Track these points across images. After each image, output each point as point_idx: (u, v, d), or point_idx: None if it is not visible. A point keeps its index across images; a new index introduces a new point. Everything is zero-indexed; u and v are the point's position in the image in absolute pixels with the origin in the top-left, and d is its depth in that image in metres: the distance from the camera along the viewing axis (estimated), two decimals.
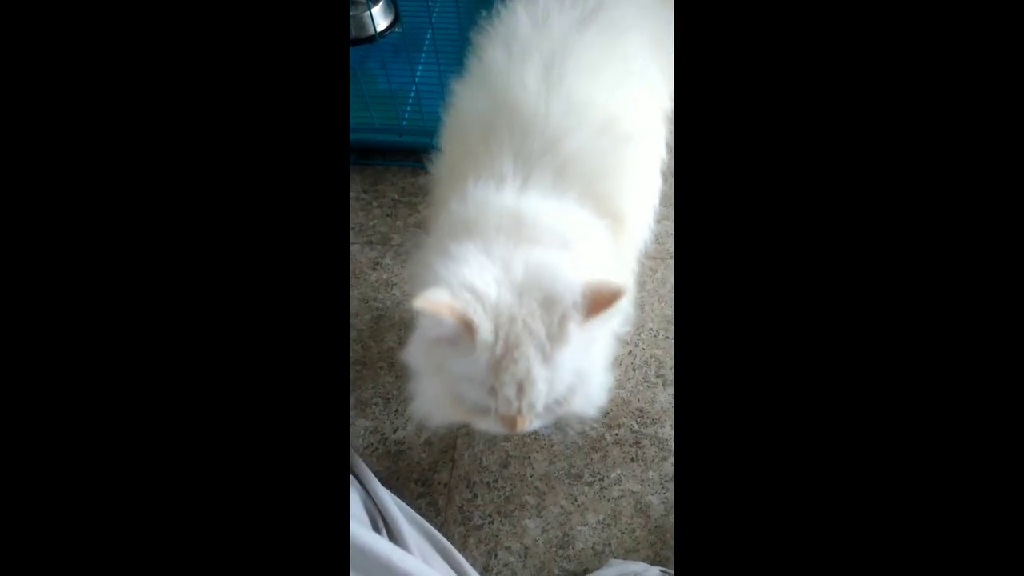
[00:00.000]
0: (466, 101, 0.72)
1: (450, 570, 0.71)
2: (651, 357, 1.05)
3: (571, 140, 0.64)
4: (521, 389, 0.53)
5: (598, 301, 0.52)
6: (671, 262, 1.16)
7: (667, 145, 0.79)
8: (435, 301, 0.51)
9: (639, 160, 0.72)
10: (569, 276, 0.53)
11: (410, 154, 1.28)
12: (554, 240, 0.58)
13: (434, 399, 0.60)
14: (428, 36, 1.37)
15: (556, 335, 0.52)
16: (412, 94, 1.29)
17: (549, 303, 0.52)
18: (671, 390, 1.02)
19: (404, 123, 1.26)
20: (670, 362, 1.05)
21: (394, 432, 0.98)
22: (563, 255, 0.56)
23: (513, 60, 0.68)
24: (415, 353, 0.59)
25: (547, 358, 0.53)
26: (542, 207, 0.60)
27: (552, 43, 0.69)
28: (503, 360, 0.52)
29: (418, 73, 1.32)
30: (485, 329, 0.51)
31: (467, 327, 0.51)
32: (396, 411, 1.00)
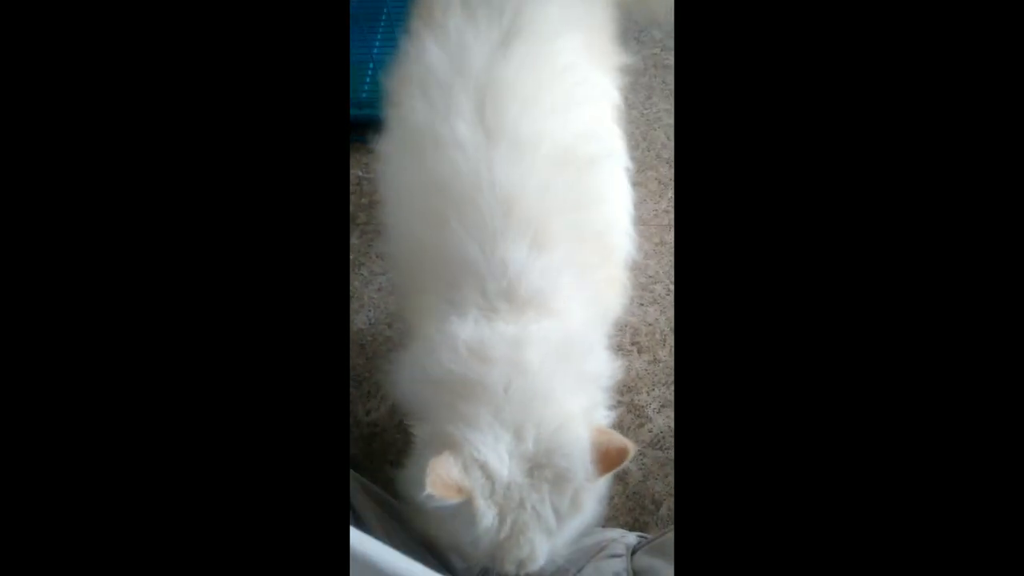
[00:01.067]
0: (395, 170, 0.63)
1: (426, 553, 0.70)
2: (625, 324, 1.04)
3: (530, 190, 0.56)
4: (523, 565, 0.55)
5: (607, 462, 0.53)
6: (643, 229, 1.14)
7: (627, 144, 0.73)
8: (446, 482, 0.49)
9: (610, 177, 0.66)
10: (580, 446, 0.52)
11: (369, 127, 1.24)
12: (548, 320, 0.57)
13: (436, 537, 0.60)
14: (385, 5, 1.32)
15: (568, 512, 0.54)
16: (371, 66, 1.25)
17: (560, 481, 0.52)
18: (646, 357, 1.01)
19: (364, 96, 1.22)
20: (645, 328, 1.04)
21: (367, 415, 0.96)
22: (574, 412, 0.55)
23: (436, 109, 0.59)
24: (416, 491, 0.54)
25: (552, 534, 0.54)
26: (530, 330, 0.56)
27: (476, 77, 0.59)
28: (507, 543, 0.53)
29: (376, 44, 1.28)
30: (487, 516, 0.51)
31: (470, 509, 0.52)
32: (368, 393, 0.98)
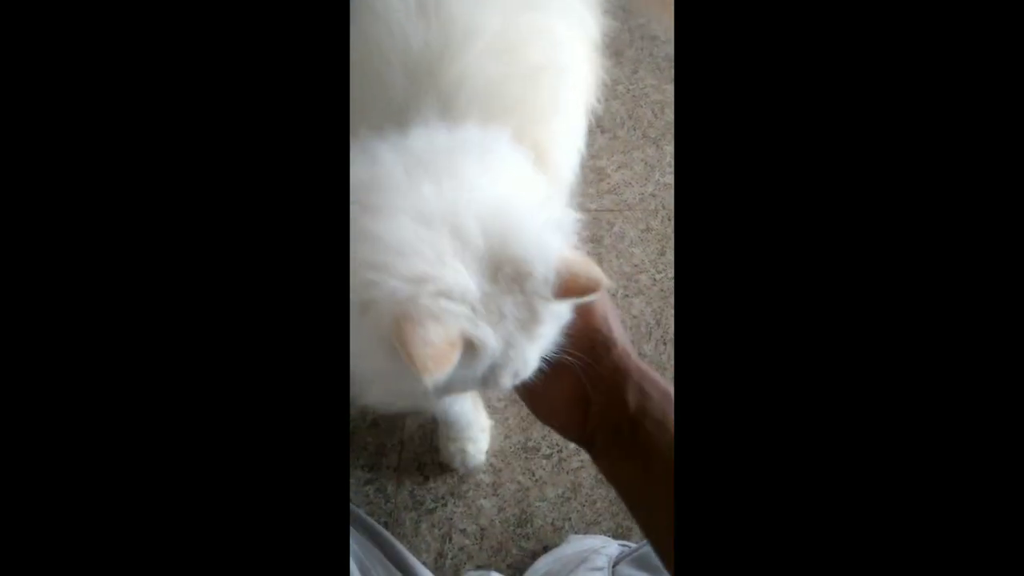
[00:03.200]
0: None
1: (392, 568, 0.67)
2: None
3: (451, 67, 0.53)
4: (517, 375, 0.47)
5: (571, 288, 0.44)
6: (629, 214, 1.09)
7: (595, 84, 0.69)
8: (437, 352, 0.39)
9: (555, 94, 0.61)
10: (539, 241, 0.44)
11: None
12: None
13: (397, 394, 0.50)
14: None
15: (535, 316, 0.45)
16: None
17: (522, 279, 0.43)
18: None
19: None
20: (630, 321, 0.99)
21: None
22: (510, 184, 0.47)
23: None
24: (371, 359, 0.45)
25: (536, 338, 0.46)
26: (439, 136, 0.49)
27: None
28: (502, 360, 0.45)
29: None
30: (488, 336, 0.43)
31: (470, 347, 0.42)
32: None
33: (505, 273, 0.43)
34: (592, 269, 0.45)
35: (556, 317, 0.48)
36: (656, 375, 0.50)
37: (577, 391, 0.51)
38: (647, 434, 0.47)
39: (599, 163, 1.13)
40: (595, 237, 1.07)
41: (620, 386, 0.49)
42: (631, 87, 1.21)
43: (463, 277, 0.42)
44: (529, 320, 0.45)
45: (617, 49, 1.27)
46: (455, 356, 0.41)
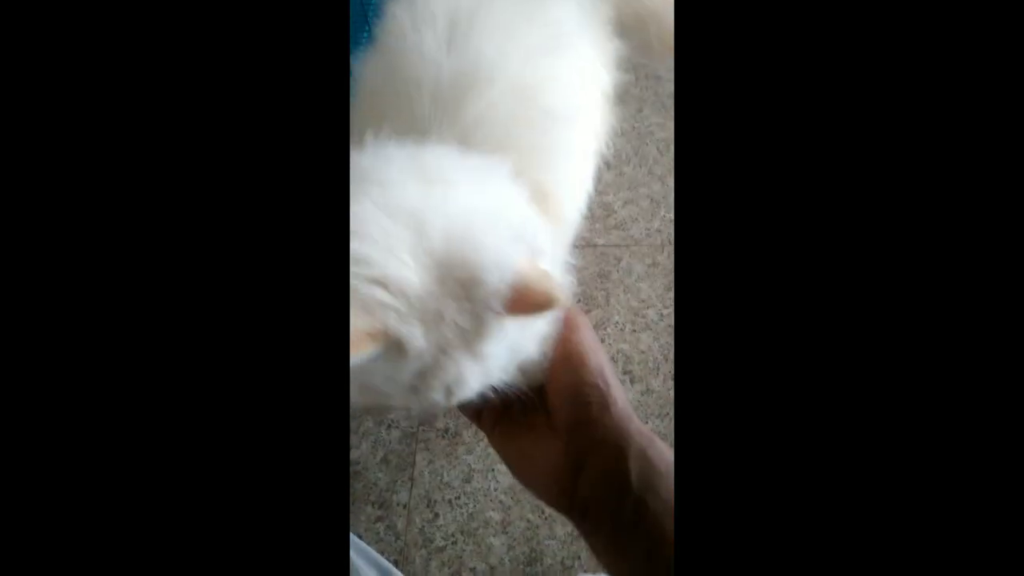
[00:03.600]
0: (362, 81, 0.62)
1: None
2: (618, 352, 1.00)
3: (474, 103, 0.55)
4: (450, 392, 0.44)
5: (524, 303, 0.40)
6: (636, 249, 1.11)
7: (605, 131, 0.71)
8: (356, 340, 0.37)
9: (565, 140, 0.63)
10: (500, 252, 0.41)
11: None
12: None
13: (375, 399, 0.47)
14: None
15: (478, 330, 0.42)
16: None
17: (471, 285, 0.41)
18: (639, 387, 0.97)
19: (365, 37, 1.12)
20: (638, 356, 1.00)
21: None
22: (496, 201, 0.46)
23: (415, 20, 0.59)
24: None
25: (477, 356, 0.43)
26: (451, 154, 0.49)
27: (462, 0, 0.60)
28: (432, 367, 0.42)
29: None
30: (415, 337, 0.40)
31: (394, 345, 0.40)
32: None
33: (455, 277, 0.41)
34: (549, 284, 0.41)
35: (508, 343, 0.44)
36: (661, 443, 0.42)
37: (567, 454, 0.43)
38: (653, 515, 0.39)
39: (606, 199, 1.15)
40: (602, 272, 1.08)
41: (622, 452, 0.41)
42: (637, 125, 1.23)
43: (408, 270, 0.40)
44: (473, 332, 0.42)
45: (623, 88, 1.31)
46: (370, 349, 0.39)
